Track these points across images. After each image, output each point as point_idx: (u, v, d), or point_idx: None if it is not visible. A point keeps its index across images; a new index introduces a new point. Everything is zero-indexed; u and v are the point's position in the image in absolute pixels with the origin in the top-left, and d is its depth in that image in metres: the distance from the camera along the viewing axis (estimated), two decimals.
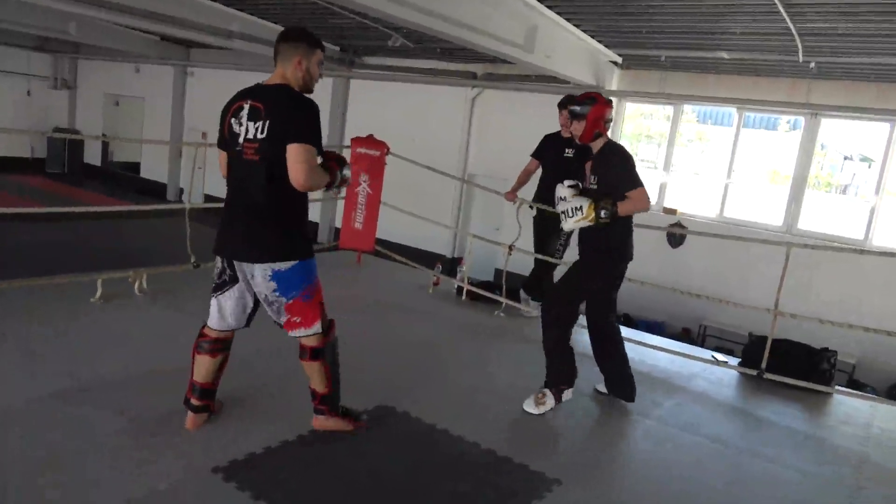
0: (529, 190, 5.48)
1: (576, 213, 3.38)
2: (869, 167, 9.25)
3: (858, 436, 3.93)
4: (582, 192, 3.53)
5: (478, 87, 10.98)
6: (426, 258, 8.25)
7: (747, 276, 8.65)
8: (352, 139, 6.04)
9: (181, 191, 15.82)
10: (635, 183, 3.40)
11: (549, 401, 3.54)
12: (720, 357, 5.05)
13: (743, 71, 8.72)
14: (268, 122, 2.56)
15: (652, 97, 9.63)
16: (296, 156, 2.54)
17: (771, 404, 4.25)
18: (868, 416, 4.28)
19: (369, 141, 5.88)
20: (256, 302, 2.86)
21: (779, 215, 9.00)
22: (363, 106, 12.44)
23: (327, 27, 10.18)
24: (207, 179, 15.31)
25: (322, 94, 12.46)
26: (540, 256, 5.38)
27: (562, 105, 5.21)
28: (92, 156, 17.86)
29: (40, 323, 3.93)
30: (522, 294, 5.61)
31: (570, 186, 3.56)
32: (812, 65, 7.62)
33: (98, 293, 4.41)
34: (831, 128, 8.99)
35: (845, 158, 10.17)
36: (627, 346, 4.98)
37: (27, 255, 7.52)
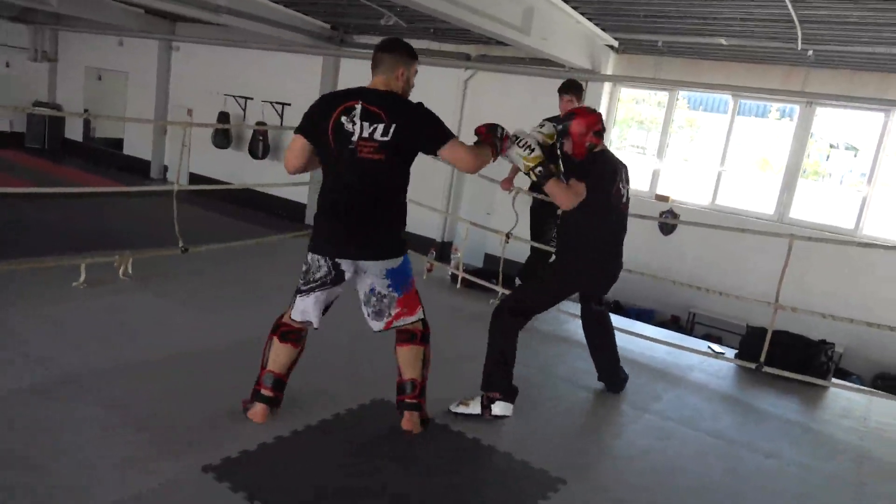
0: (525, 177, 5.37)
1: (526, 149, 3.13)
2: (855, 156, 9.24)
3: (857, 429, 3.91)
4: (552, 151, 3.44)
5: (471, 68, 10.79)
6: (416, 242, 8.10)
7: (740, 265, 8.63)
8: None
9: (165, 168, 15.51)
10: (579, 177, 3.30)
11: (475, 407, 3.25)
12: (717, 349, 5.02)
13: (739, 58, 8.63)
14: (394, 126, 2.65)
15: (648, 82, 9.52)
16: (455, 153, 2.76)
17: (769, 397, 4.22)
18: (865, 409, 4.27)
19: None
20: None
21: (770, 204, 8.98)
22: (354, 86, 12.20)
23: (318, 3, 9.93)
24: (194, 158, 15.02)
25: (311, 72, 12.29)
26: (536, 244, 5.29)
27: (563, 90, 5.10)
28: (73, 131, 17.42)
29: (20, 309, 3.78)
30: (518, 283, 5.52)
31: (540, 131, 3.37)
32: (810, 53, 7.54)
33: (81, 277, 4.26)
34: (825, 116, 8.95)
35: (831, 146, 10.16)
36: (623, 337, 4.97)
37: (5, 236, 7.30)
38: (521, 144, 3.13)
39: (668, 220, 8.77)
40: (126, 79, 15.92)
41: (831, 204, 9.21)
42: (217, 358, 3.51)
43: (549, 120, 5.26)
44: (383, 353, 3.86)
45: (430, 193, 11.00)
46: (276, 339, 2.86)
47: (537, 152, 3.14)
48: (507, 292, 5.38)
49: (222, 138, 13.42)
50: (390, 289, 2.82)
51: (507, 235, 5.27)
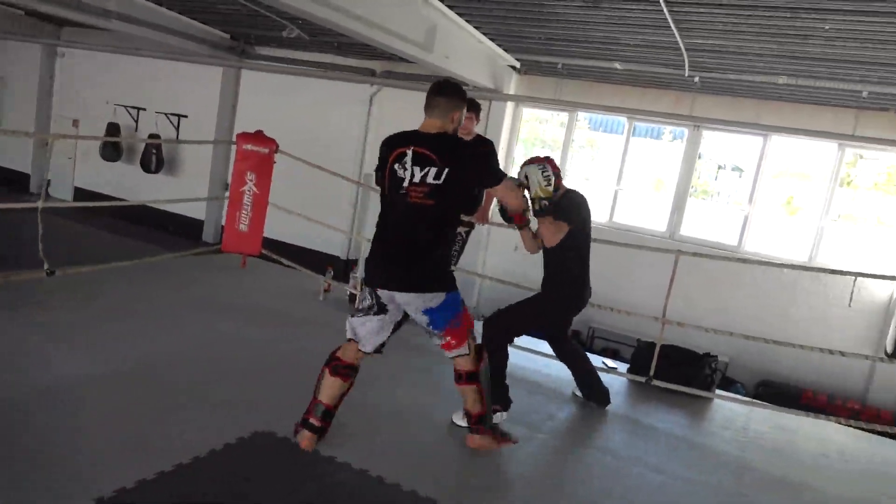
0: None
1: (546, 180, 3.39)
2: (740, 176, 9.84)
3: (738, 440, 4.07)
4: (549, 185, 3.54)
5: (376, 84, 10.72)
6: (320, 260, 7.92)
7: (635, 281, 8.95)
8: (238, 135, 5.65)
9: (48, 182, 14.42)
10: (563, 216, 3.56)
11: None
12: (611, 364, 5.13)
13: (633, 82, 9.03)
14: (447, 170, 2.77)
15: (548, 103, 9.77)
16: (506, 195, 3.14)
17: (658, 411, 4.32)
18: (745, 418, 4.47)
19: (257, 137, 5.51)
20: (393, 331, 3.03)
21: (663, 221, 9.40)
22: (256, 99, 11.84)
23: (216, 13, 9.57)
24: (80, 171, 14.10)
25: (210, 83, 11.80)
26: None
27: (468, 107, 5.07)
28: None
29: None
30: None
31: (545, 174, 3.45)
32: (696, 79, 8.00)
33: None
34: (711, 139, 9.50)
35: (719, 168, 10.79)
36: (521, 355, 5.00)
37: None
38: (544, 174, 3.39)
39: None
40: (4, 85, 14.75)
41: (718, 222, 9.75)
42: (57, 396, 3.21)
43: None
44: (266, 379, 3.69)
45: (336, 210, 10.83)
46: (327, 372, 3.00)
47: (551, 188, 3.40)
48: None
49: (112, 151, 12.66)
50: (430, 326, 2.94)
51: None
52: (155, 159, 12.36)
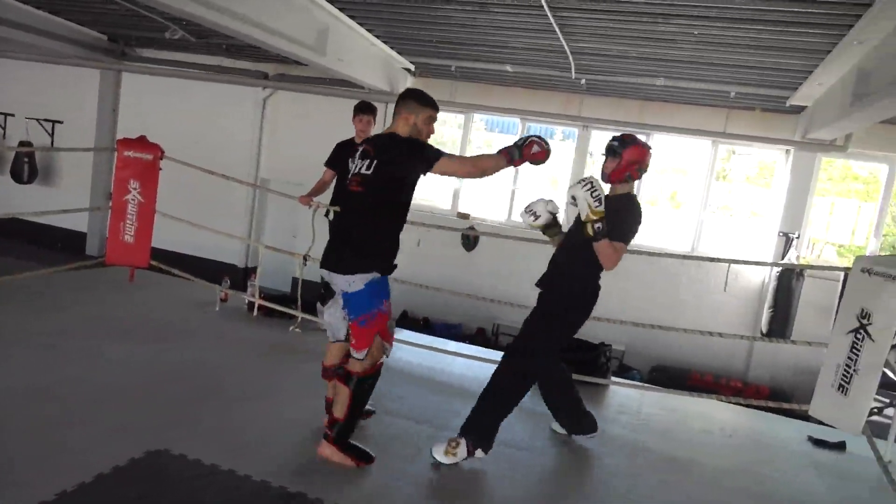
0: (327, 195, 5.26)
1: (596, 200, 3.07)
2: None
3: (632, 423, 4.29)
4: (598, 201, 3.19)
5: (269, 87, 10.45)
6: (217, 269, 7.63)
7: (534, 276, 9.22)
8: (118, 141, 5.34)
9: None
10: (626, 238, 3.26)
11: (462, 451, 3.23)
12: None
13: (525, 84, 9.30)
14: (375, 161, 2.95)
15: (443, 105, 9.85)
16: (447, 168, 2.98)
17: None
18: (638, 403, 4.72)
19: (140, 143, 5.23)
20: None
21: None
22: (141, 103, 11.23)
23: (90, 13, 8.99)
24: None
25: (87, 87, 11.08)
26: None
27: (358, 109, 5.05)
28: None
29: None
30: (319, 307, 5.33)
31: (594, 195, 3.12)
32: (583, 81, 8.36)
33: None
34: (600, 138, 9.95)
35: None
36: (426, 354, 5.04)
37: None
38: (593, 194, 3.09)
39: (471, 233, 9.15)
40: None
41: None
42: None
43: (340, 144, 5.21)
44: (159, 396, 3.51)
45: (231, 217, 10.46)
46: (332, 384, 3.27)
47: (602, 207, 3.10)
48: (307, 317, 5.20)
49: None
50: (345, 310, 3.10)
51: (305, 257, 5.09)
52: (27, 168, 11.44)
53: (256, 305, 5.34)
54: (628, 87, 8.56)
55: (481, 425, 3.30)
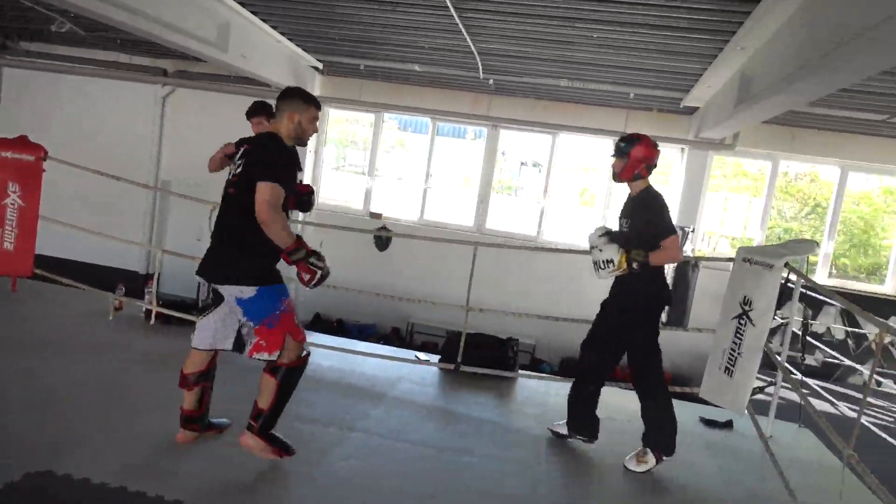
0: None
1: (608, 265, 3.44)
2: (539, 172, 10.66)
3: (537, 414, 4.40)
4: (612, 237, 3.57)
5: (169, 84, 10.01)
6: (115, 277, 7.23)
7: (447, 274, 9.30)
8: None
9: None
10: (668, 231, 3.42)
11: (651, 460, 3.55)
12: (422, 356, 5.29)
13: (434, 83, 9.36)
14: (244, 161, 2.95)
15: (353, 104, 9.81)
16: (259, 193, 2.79)
17: (467, 397, 4.55)
18: (544, 394, 4.85)
19: (19, 143, 4.88)
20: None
21: (470, 217, 9.89)
22: (25, 101, 10.48)
23: None
24: None
25: None
26: None
27: (250, 113, 4.90)
28: None
29: None
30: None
31: (601, 235, 3.58)
32: (491, 81, 8.50)
33: None
34: (509, 137, 10.16)
35: (521, 164, 11.60)
36: (337, 356, 4.98)
37: None
38: (601, 266, 3.51)
39: (383, 233, 9.12)
40: None
41: (521, 214, 10.45)
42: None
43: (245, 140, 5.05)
44: (43, 414, 3.29)
45: (130, 221, 9.96)
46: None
47: (616, 257, 3.43)
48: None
49: None
50: (246, 317, 2.97)
51: None
52: None
53: (154, 313, 5.10)
54: (534, 88, 8.78)
55: (657, 435, 3.60)
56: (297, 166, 3.02)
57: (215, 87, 9.68)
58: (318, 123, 3.11)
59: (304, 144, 3.14)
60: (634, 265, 3.42)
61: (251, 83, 9.01)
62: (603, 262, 3.52)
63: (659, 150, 3.57)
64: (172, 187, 9.26)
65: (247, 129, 5.37)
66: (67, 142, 10.01)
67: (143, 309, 5.26)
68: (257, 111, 4.79)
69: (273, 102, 3.24)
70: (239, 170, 2.96)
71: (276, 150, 2.93)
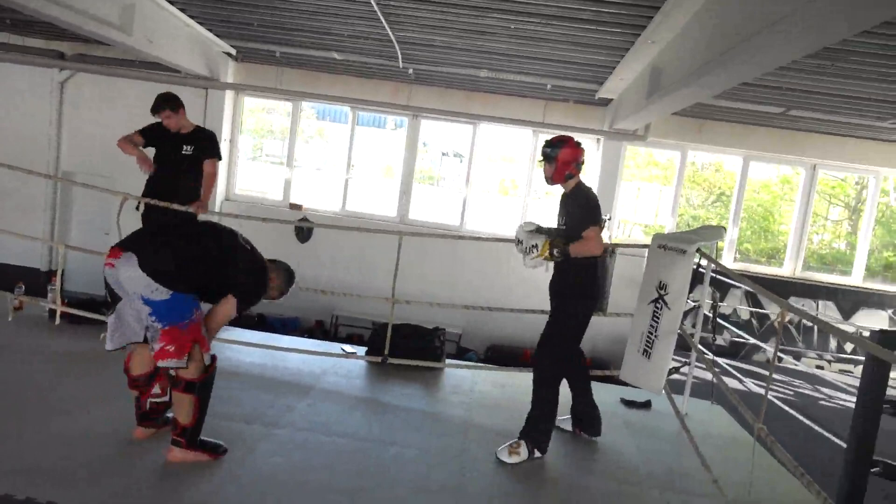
0: (133, 185, 4.85)
1: (532, 250, 3.64)
2: (461, 162, 10.72)
3: (464, 402, 4.44)
4: (540, 230, 3.77)
5: (67, 69, 9.37)
6: (13, 275, 6.74)
7: (371, 266, 9.24)
8: None
9: None
10: (590, 223, 3.59)
11: (524, 452, 3.56)
12: (348, 349, 5.22)
13: (353, 72, 9.21)
14: None
15: (269, 92, 9.51)
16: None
17: (394, 388, 4.53)
18: (471, 382, 4.89)
19: None
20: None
21: (393, 207, 9.83)
22: None
23: None
24: None
25: None
26: None
27: (155, 109, 4.68)
28: None
29: None
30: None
31: (528, 231, 3.77)
32: (411, 71, 8.45)
33: None
34: (430, 128, 10.16)
35: (443, 154, 11.63)
36: (258, 352, 4.84)
37: None
38: (526, 252, 3.70)
39: (304, 224, 8.91)
40: None
41: (443, 205, 10.49)
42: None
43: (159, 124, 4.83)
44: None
45: (26, 215, 9.31)
46: None
47: (539, 243, 3.64)
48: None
49: None
50: (153, 317, 2.84)
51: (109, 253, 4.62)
52: None
53: (59, 312, 4.78)
54: (455, 78, 8.79)
55: (535, 429, 3.64)
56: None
57: (120, 73, 9.15)
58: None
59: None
60: (556, 252, 3.60)
61: (159, 68, 8.57)
62: (528, 247, 3.70)
63: (583, 149, 3.76)
64: (76, 178, 8.69)
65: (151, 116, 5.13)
66: None
67: (47, 308, 4.92)
68: (160, 106, 4.62)
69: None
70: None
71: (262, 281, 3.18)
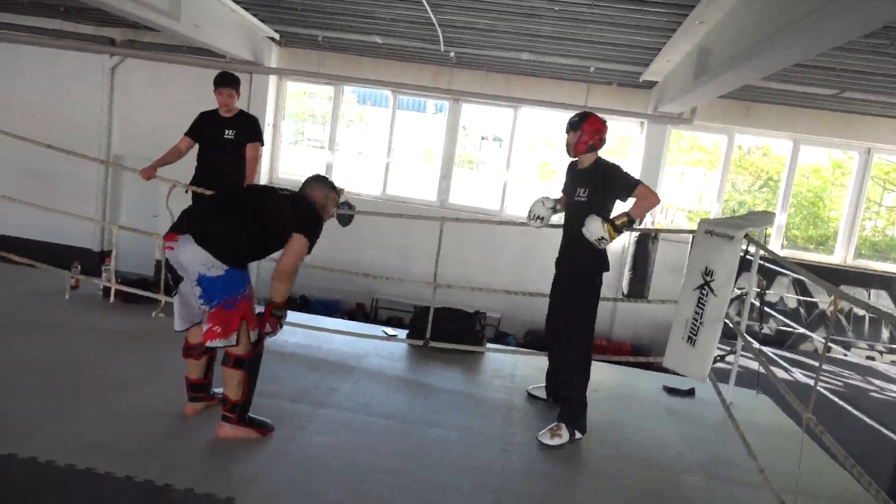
0: (182, 170, 4.98)
1: (602, 242, 3.56)
2: (500, 146, 10.67)
3: (506, 386, 4.46)
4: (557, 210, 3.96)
5: (118, 55, 9.61)
6: (67, 255, 6.99)
7: (410, 249, 9.30)
8: None
9: None
10: (635, 183, 3.59)
11: (565, 434, 3.58)
12: (390, 331, 5.28)
13: (394, 56, 9.22)
14: None
15: (312, 76, 9.59)
16: (294, 245, 3.08)
17: (435, 371, 4.57)
18: (512, 366, 4.91)
19: None
20: None
21: (433, 191, 9.85)
22: None
23: None
24: None
25: None
26: None
27: (217, 83, 4.80)
28: None
29: None
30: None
31: (549, 208, 4.02)
32: (452, 54, 8.42)
33: None
34: (471, 112, 10.12)
35: (482, 139, 11.58)
36: (301, 333, 4.94)
37: None
38: (601, 242, 3.57)
39: (346, 211, 8.99)
40: None
41: (483, 189, 10.47)
42: None
43: (204, 114, 4.95)
44: (2, 396, 3.18)
45: (80, 197, 9.62)
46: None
47: (606, 235, 3.54)
48: (172, 300, 4.89)
49: None
50: (201, 300, 2.94)
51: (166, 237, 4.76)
52: None
53: (113, 291, 4.95)
54: (496, 61, 8.73)
55: (574, 413, 3.66)
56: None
57: (168, 59, 9.34)
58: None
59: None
60: (622, 228, 3.57)
61: (206, 54, 8.73)
62: (597, 241, 3.59)
63: (607, 127, 3.79)
64: (126, 162, 8.94)
65: (202, 102, 5.22)
66: (9, 115, 9.58)
67: (101, 287, 5.10)
68: (227, 82, 4.72)
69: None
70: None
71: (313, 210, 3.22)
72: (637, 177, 3.76)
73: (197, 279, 2.91)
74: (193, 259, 2.90)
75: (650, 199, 3.60)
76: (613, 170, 3.69)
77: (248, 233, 3.04)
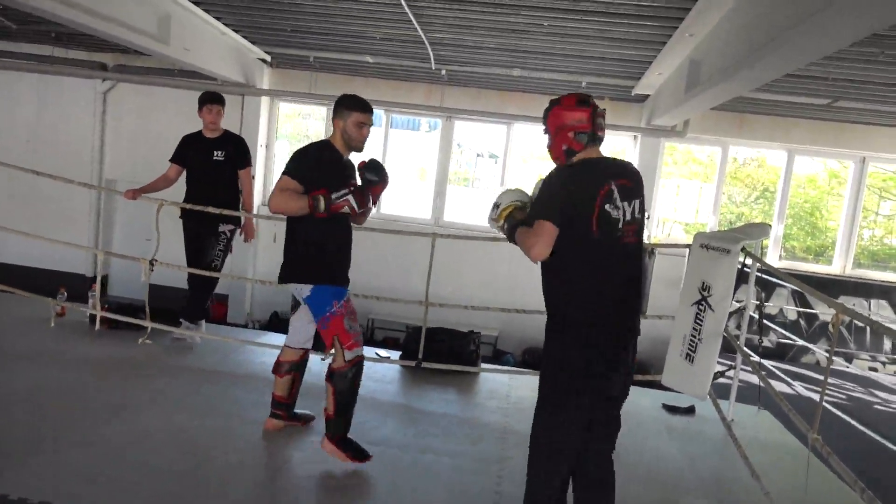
0: (173, 192, 4.92)
1: (493, 209, 2.68)
2: (496, 163, 10.63)
3: (501, 408, 4.36)
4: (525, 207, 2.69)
5: (109, 79, 9.60)
6: (58, 281, 6.89)
7: (406, 268, 9.21)
8: None
9: None
10: (537, 215, 2.41)
11: None
12: (383, 353, 5.19)
13: (386, 75, 9.21)
14: None
15: (303, 97, 9.58)
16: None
17: (429, 393, 4.47)
18: (508, 387, 4.81)
19: None
20: None
21: (428, 209, 9.79)
22: None
23: None
24: None
25: None
26: (195, 271, 4.83)
27: (204, 100, 4.77)
28: None
29: None
30: (185, 323, 4.93)
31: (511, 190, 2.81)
32: (443, 72, 8.40)
33: None
34: (464, 129, 10.10)
35: (478, 156, 11.55)
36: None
37: None
38: (491, 214, 2.71)
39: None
40: None
41: (479, 206, 10.40)
42: None
43: (187, 137, 4.91)
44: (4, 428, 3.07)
45: (71, 222, 9.56)
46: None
47: (503, 203, 2.65)
48: (159, 327, 4.81)
49: None
50: (313, 314, 3.19)
51: (152, 262, 4.70)
52: None
53: (98, 318, 4.86)
54: (487, 78, 8.71)
55: None
56: (340, 172, 3.24)
57: (159, 82, 9.33)
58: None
59: (360, 150, 3.29)
60: (506, 224, 2.63)
61: (197, 77, 8.70)
62: (493, 205, 2.79)
63: (586, 106, 2.50)
64: (118, 186, 8.88)
65: (193, 124, 5.18)
66: (3, 141, 9.55)
67: (88, 314, 5.02)
68: (213, 99, 4.71)
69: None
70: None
71: (299, 155, 3.21)
72: (556, 185, 2.51)
73: (304, 301, 3.19)
74: (293, 288, 3.21)
75: (529, 242, 2.41)
76: (542, 187, 2.53)
77: (288, 237, 3.23)
